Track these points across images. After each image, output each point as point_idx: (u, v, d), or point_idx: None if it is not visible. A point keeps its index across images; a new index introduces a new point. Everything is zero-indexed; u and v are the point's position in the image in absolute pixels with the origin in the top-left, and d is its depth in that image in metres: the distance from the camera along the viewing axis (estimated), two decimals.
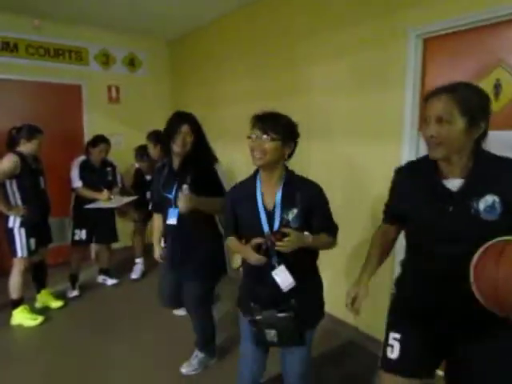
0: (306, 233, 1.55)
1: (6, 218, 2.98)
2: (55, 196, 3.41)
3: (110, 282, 3.89)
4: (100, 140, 3.57)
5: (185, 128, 2.20)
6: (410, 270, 1.40)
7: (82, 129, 4.48)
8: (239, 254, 1.68)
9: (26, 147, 3.02)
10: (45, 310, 3.28)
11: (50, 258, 3.48)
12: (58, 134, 4.15)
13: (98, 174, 3.63)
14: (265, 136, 1.54)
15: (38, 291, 3.36)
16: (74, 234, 3.59)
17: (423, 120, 1.27)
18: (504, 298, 1.06)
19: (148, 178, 3.85)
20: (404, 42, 2.36)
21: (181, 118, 2.26)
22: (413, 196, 1.32)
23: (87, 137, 4.12)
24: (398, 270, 1.53)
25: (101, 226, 3.67)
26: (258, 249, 1.54)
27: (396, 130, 2.47)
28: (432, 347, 1.34)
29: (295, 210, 1.57)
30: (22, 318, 3.08)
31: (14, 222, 2.98)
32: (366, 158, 2.70)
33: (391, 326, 1.45)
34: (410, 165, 1.44)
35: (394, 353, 1.38)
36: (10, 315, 3.09)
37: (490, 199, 1.19)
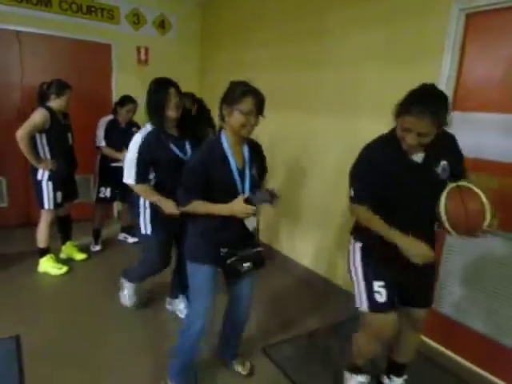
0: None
1: (35, 171, 3.09)
2: (81, 154, 3.49)
3: (131, 240, 4.02)
4: (128, 100, 3.60)
5: (172, 91, 2.22)
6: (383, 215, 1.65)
7: (111, 89, 4.52)
8: (221, 211, 1.75)
9: (55, 102, 3.08)
10: (69, 261, 3.44)
11: (75, 213, 3.60)
12: (86, 93, 4.21)
13: (124, 134, 3.66)
14: (259, 116, 1.74)
15: (64, 243, 3.52)
16: (98, 192, 3.70)
17: (403, 130, 1.55)
18: (473, 224, 1.53)
19: None
20: (445, 16, 2.27)
21: (167, 83, 2.26)
22: (391, 173, 1.61)
23: (115, 97, 4.16)
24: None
25: (124, 184, 3.75)
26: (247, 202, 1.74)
27: None
28: (396, 281, 1.76)
29: (254, 168, 1.85)
30: (47, 266, 3.24)
31: (43, 175, 3.09)
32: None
33: (374, 277, 1.76)
34: (381, 145, 1.69)
35: (382, 297, 1.73)
36: (37, 263, 3.26)
37: (443, 164, 1.64)
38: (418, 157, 1.62)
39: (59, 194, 3.17)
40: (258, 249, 1.90)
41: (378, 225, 1.64)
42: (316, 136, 3.26)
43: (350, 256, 1.86)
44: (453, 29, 2.24)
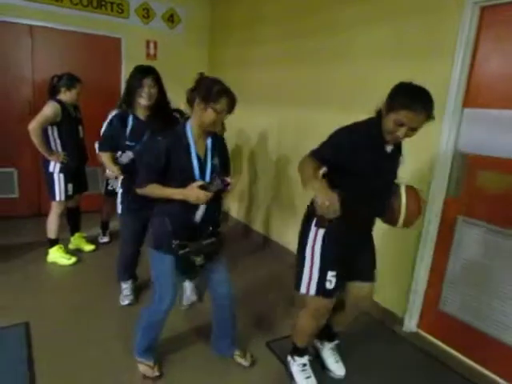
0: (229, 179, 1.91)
1: (47, 163, 3.13)
2: (90, 146, 3.51)
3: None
4: None
5: (148, 80, 2.37)
6: (343, 209, 1.58)
7: (120, 83, 4.54)
8: (174, 195, 1.81)
9: (65, 96, 3.11)
10: (77, 252, 3.49)
11: (84, 204, 3.64)
12: (96, 86, 4.23)
13: None
14: (228, 114, 1.88)
15: (72, 234, 3.56)
16: (107, 184, 3.72)
17: (396, 124, 1.64)
18: (414, 217, 1.80)
19: None
20: (459, 9, 2.23)
21: (145, 72, 2.41)
22: (366, 156, 1.73)
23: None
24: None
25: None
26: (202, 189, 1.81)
27: (439, 105, 2.36)
28: (345, 266, 1.89)
29: (216, 158, 1.94)
30: (56, 256, 3.29)
31: (54, 167, 3.13)
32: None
33: (329, 266, 1.85)
34: (361, 130, 1.78)
35: (331, 285, 1.85)
36: (46, 253, 3.31)
37: (401, 157, 1.88)
38: (389, 148, 1.80)
39: (70, 186, 3.21)
40: (209, 241, 1.92)
41: (308, 171, 1.65)
42: (325, 132, 3.25)
43: (309, 240, 1.86)
44: (466, 23, 2.20)
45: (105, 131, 2.63)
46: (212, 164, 1.92)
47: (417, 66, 2.50)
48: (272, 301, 2.97)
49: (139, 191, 1.92)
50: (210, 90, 1.79)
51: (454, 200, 2.42)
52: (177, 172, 1.83)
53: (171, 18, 4.80)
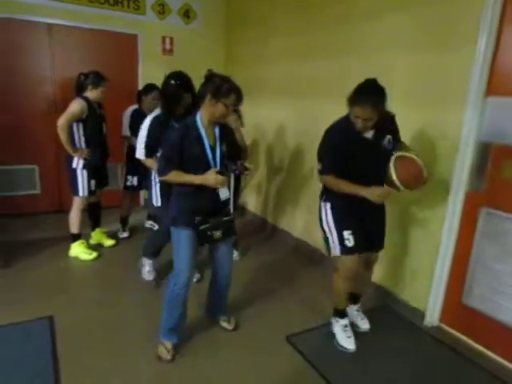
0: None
1: (70, 159, 3.17)
2: (109, 142, 3.55)
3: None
4: (151, 88, 3.61)
5: (188, 96, 2.63)
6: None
7: (137, 79, 4.59)
8: (195, 181, 2.04)
9: (92, 93, 3.15)
10: (98, 247, 3.55)
11: (104, 200, 3.69)
12: (113, 83, 4.20)
13: None
14: (234, 108, 2.14)
15: (93, 229, 3.63)
16: (126, 180, 3.77)
17: (354, 117, 2.05)
18: (414, 178, 2.07)
19: None
20: None
21: (185, 88, 2.65)
22: (350, 149, 2.10)
23: (141, 87, 4.21)
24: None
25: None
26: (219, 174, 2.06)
27: (460, 94, 2.32)
28: (361, 228, 2.23)
29: (224, 145, 2.15)
30: (78, 251, 3.35)
31: (78, 163, 3.18)
32: (423, 126, 2.57)
33: (344, 227, 2.22)
34: (340, 127, 2.17)
35: (350, 243, 2.20)
36: (68, 247, 3.38)
37: (388, 138, 2.16)
38: (369, 134, 2.12)
39: (93, 182, 3.27)
40: (228, 217, 2.18)
41: (344, 185, 2.11)
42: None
43: (323, 216, 2.30)
44: (489, 8, 2.13)
45: (149, 139, 2.63)
46: (221, 150, 2.13)
47: (435, 56, 2.45)
48: (291, 297, 2.97)
49: (162, 179, 2.13)
50: (220, 87, 2.00)
51: (477, 191, 2.36)
52: (191, 159, 2.04)
53: (187, 14, 4.81)
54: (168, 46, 4.76)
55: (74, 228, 3.33)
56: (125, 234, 3.87)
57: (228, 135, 2.23)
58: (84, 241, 3.42)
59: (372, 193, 2.06)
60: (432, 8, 2.45)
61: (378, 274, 2.99)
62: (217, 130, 2.15)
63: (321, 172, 2.20)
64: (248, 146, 4.49)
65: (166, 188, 2.52)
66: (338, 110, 3.26)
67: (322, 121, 3.41)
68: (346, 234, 2.21)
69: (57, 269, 3.16)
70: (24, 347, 2.21)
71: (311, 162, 3.60)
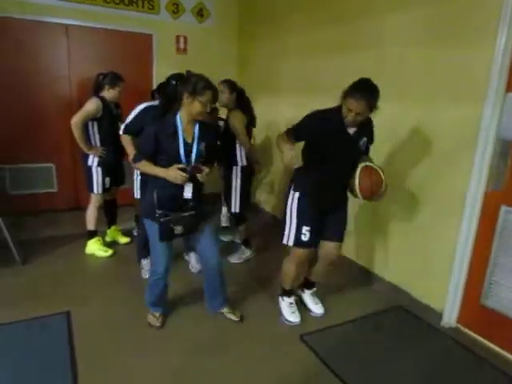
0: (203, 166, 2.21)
1: (86, 157, 3.23)
2: None
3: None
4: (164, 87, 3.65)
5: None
6: (315, 179, 2.31)
7: (152, 78, 4.62)
8: (157, 173, 2.14)
9: (108, 93, 3.20)
10: (113, 244, 3.60)
11: (119, 198, 3.73)
12: (128, 82, 4.25)
13: None
14: (212, 104, 2.22)
15: (109, 227, 3.67)
16: None
17: (347, 110, 2.13)
18: (375, 190, 2.19)
19: None
20: None
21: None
22: (330, 135, 2.20)
23: (155, 86, 4.24)
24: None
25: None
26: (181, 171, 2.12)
27: (479, 90, 2.27)
28: (318, 224, 2.39)
29: (203, 144, 2.21)
30: (94, 248, 3.40)
31: (93, 161, 3.23)
32: (440, 123, 2.53)
33: (303, 223, 2.36)
34: (328, 114, 2.23)
35: (306, 238, 2.37)
36: (84, 245, 3.43)
37: (364, 139, 2.30)
38: (351, 130, 2.24)
39: (108, 180, 3.32)
40: (187, 213, 2.20)
41: (282, 145, 2.27)
42: None
43: (289, 202, 2.42)
44: (509, 2, 2.07)
45: (134, 120, 2.81)
46: (198, 149, 2.20)
47: (453, 51, 2.40)
48: None
49: (133, 165, 2.29)
50: (196, 85, 2.07)
51: (497, 189, 2.31)
52: (164, 153, 2.14)
53: (200, 12, 4.83)
54: (182, 45, 4.78)
55: (91, 225, 3.38)
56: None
57: (209, 135, 2.28)
58: (100, 238, 3.46)
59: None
60: (450, 2, 2.40)
61: (393, 274, 2.96)
62: (196, 129, 2.21)
63: (287, 131, 2.34)
64: (261, 143, 4.51)
65: (144, 181, 2.64)
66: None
67: None
68: (305, 229, 2.36)
69: (73, 265, 3.21)
70: (43, 341, 2.25)
71: None
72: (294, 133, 2.29)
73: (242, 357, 2.23)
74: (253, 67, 4.81)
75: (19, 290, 2.78)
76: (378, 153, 2.97)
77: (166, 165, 2.13)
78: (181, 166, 2.13)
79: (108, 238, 3.65)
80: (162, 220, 2.15)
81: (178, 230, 2.20)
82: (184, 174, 2.12)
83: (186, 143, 2.16)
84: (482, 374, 2.19)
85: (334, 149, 2.22)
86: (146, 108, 2.80)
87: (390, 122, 2.86)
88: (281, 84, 4.22)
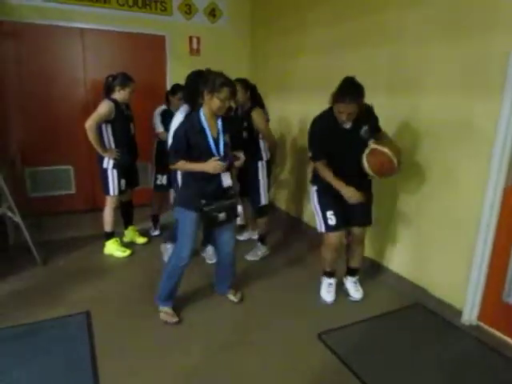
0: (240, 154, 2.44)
1: (101, 160, 3.27)
2: (138, 142, 3.61)
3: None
4: (179, 88, 3.66)
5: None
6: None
7: (165, 79, 4.66)
8: (197, 168, 2.30)
9: (119, 94, 3.23)
10: (131, 244, 3.64)
11: (135, 198, 3.78)
12: (142, 83, 4.32)
13: None
14: (232, 100, 2.34)
15: (126, 227, 3.72)
16: (156, 179, 3.83)
17: (338, 112, 2.37)
18: (386, 168, 2.38)
19: None
20: None
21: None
22: (331, 138, 2.46)
23: (169, 87, 4.27)
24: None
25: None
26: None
27: (498, 85, 2.22)
28: (342, 208, 2.57)
29: (228, 136, 2.37)
30: (112, 249, 3.45)
31: (108, 163, 3.26)
32: (458, 118, 2.48)
33: (326, 208, 2.61)
34: (323, 119, 2.50)
35: (332, 221, 2.60)
36: (103, 245, 3.48)
37: (364, 128, 2.46)
38: (348, 125, 2.43)
39: (123, 182, 3.35)
40: (230, 201, 2.41)
41: (328, 176, 2.49)
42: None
43: (311, 197, 2.72)
44: None
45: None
46: (224, 141, 2.35)
47: (476, 42, 2.34)
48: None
49: (172, 167, 2.42)
50: (214, 82, 2.19)
51: None
52: (197, 149, 2.29)
53: (212, 12, 4.84)
54: (195, 46, 4.81)
55: (108, 226, 3.43)
56: (156, 232, 3.94)
57: (231, 127, 2.45)
58: (118, 239, 3.51)
59: (347, 192, 2.44)
60: None
61: (411, 271, 2.92)
62: (219, 123, 2.36)
63: (313, 159, 2.58)
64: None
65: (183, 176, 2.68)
66: (366, 100, 3.22)
67: None
68: (329, 214, 2.59)
69: (92, 266, 3.26)
70: (64, 341, 2.29)
71: None
72: (320, 155, 2.53)
73: (259, 355, 2.23)
74: (266, 65, 4.80)
75: (40, 290, 2.83)
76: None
77: (201, 160, 2.29)
78: (217, 158, 2.29)
79: (126, 239, 3.70)
80: (206, 209, 2.31)
81: (222, 217, 2.37)
82: (222, 164, 2.28)
83: (212, 137, 2.31)
84: (507, 375, 2.14)
85: (337, 145, 2.46)
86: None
87: (406, 114, 2.84)
88: (293, 82, 4.20)
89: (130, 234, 3.72)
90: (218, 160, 2.28)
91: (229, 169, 2.39)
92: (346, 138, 2.45)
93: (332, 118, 2.41)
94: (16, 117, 4.16)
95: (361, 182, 2.54)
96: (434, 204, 2.69)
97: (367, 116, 2.48)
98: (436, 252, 2.71)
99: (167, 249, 3.30)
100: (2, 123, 4.09)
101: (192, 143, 2.28)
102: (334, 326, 2.49)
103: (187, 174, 2.43)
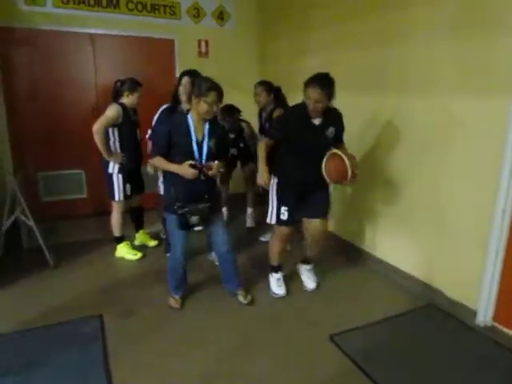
0: (216, 162, 2.42)
1: (107, 165, 3.28)
2: (145, 147, 3.63)
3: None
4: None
5: (185, 79, 3.00)
6: (289, 166, 2.62)
7: (174, 82, 4.66)
8: (171, 169, 2.36)
9: (128, 99, 3.26)
10: (142, 247, 3.67)
11: (145, 201, 3.78)
12: (151, 87, 4.36)
13: None
14: (219, 104, 2.37)
15: (137, 231, 3.74)
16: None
17: (307, 98, 2.45)
18: (339, 176, 2.47)
19: (232, 136, 3.90)
20: None
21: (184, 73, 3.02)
22: (298, 127, 2.52)
23: None
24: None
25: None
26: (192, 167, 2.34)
27: (508, 83, 2.18)
28: (297, 205, 2.67)
29: (213, 140, 2.41)
30: (124, 252, 3.48)
31: (113, 168, 3.27)
32: (469, 117, 2.44)
33: (281, 202, 2.69)
34: (296, 108, 2.60)
35: (284, 216, 2.68)
36: (114, 248, 3.51)
37: (331, 129, 2.56)
38: (317, 121, 2.53)
39: (128, 187, 3.35)
40: (202, 205, 2.39)
41: (261, 152, 2.57)
42: (381, 118, 3.12)
43: (270, 186, 2.70)
44: None
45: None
46: (208, 146, 2.40)
47: (485, 41, 2.30)
48: (341, 299, 2.92)
49: (150, 161, 2.59)
50: (200, 87, 2.26)
51: None
52: (179, 150, 2.34)
53: (221, 16, 4.87)
54: (204, 49, 4.83)
55: (116, 231, 3.45)
56: None
57: (217, 132, 2.48)
58: (128, 242, 3.53)
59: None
60: None
61: (424, 271, 2.88)
62: (206, 127, 2.41)
63: (268, 136, 2.67)
64: None
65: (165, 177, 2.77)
66: (373, 100, 3.20)
67: (363, 115, 3.35)
68: (283, 209, 2.67)
69: (104, 269, 3.29)
70: (76, 344, 2.30)
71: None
72: (276, 134, 2.61)
73: (271, 357, 2.22)
74: (274, 66, 4.80)
75: (52, 294, 2.86)
76: (413, 142, 2.93)
77: (181, 160, 2.33)
78: (192, 162, 2.33)
79: (137, 242, 3.72)
80: (179, 212, 2.35)
81: (194, 220, 2.40)
82: (194, 171, 2.32)
83: (197, 140, 2.37)
84: None
85: (301, 138, 2.52)
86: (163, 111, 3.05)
87: (413, 117, 2.81)
88: (302, 82, 4.18)
89: (140, 237, 3.74)
90: (193, 165, 2.32)
91: (206, 175, 2.40)
92: (313, 133, 2.53)
93: (303, 110, 2.49)
94: (28, 122, 4.22)
95: (315, 177, 2.56)
96: (446, 203, 2.66)
97: (336, 121, 2.62)
98: (449, 252, 2.67)
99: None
100: (15, 128, 4.15)
101: (174, 142, 2.33)
102: (346, 328, 2.47)
103: (168, 176, 2.50)
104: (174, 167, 2.35)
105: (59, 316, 2.55)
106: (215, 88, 2.29)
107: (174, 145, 2.34)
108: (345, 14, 3.45)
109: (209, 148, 2.40)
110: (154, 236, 3.84)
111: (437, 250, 2.76)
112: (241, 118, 3.99)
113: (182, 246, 2.54)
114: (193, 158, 2.35)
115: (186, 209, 2.35)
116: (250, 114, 4.00)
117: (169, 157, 2.38)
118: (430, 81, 2.69)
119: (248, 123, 4.02)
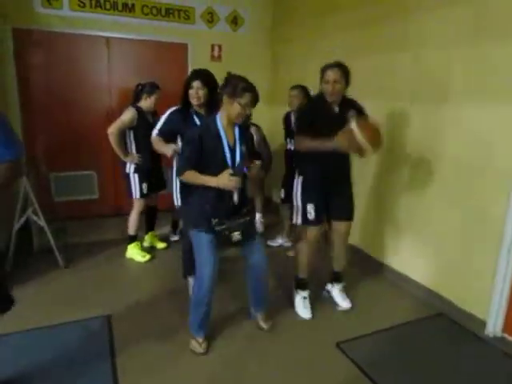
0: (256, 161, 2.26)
1: (124, 165, 3.37)
2: None
3: (179, 237, 4.13)
4: None
5: (196, 83, 2.60)
6: (312, 160, 2.52)
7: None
8: (208, 183, 2.05)
9: (145, 102, 3.34)
10: (151, 249, 3.69)
11: (159, 203, 3.81)
12: (165, 91, 4.41)
13: None
14: (252, 107, 2.11)
15: (147, 232, 3.77)
16: None
17: (326, 83, 2.43)
18: (375, 136, 2.27)
19: None
20: None
21: (193, 76, 2.69)
22: (319, 114, 2.50)
23: None
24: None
25: None
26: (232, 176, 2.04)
27: None
28: (323, 203, 2.59)
29: (245, 146, 2.18)
30: (134, 253, 3.51)
31: (130, 168, 3.37)
32: (485, 123, 2.43)
33: (307, 200, 2.58)
34: (314, 101, 2.68)
35: (311, 215, 2.56)
36: (124, 249, 3.55)
37: (351, 112, 2.44)
38: (336, 109, 2.51)
39: (145, 185, 3.42)
40: (242, 220, 2.15)
41: (310, 142, 2.38)
42: (397, 128, 3.11)
43: (294, 186, 2.64)
44: None
45: (164, 124, 2.87)
46: (241, 151, 2.16)
47: (501, 47, 2.29)
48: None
49: (179, 178, 2.21)
50: (235, 87, 2.02)
51: None
52: (210, 157, 2.07)
53: (235, 21, 4.90)
54: (216, 53, 4.87)
55: (132, 230, 3.50)
56: (175, 237, 3.97)
57: (248, 137, 2.31)
58: (138, 243, 3.57)
59: (340, 141, 2.24)
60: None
61: (435, 281, 2.85)
62: (237, 131, 2.18)
63: (298, 132, 2.55)
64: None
65: (185, 187, 2.46)
66: (388, 106, 3.18)
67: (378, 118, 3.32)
68: (309, 207, 2.55)
69: (114, 270, 3.32)
70: (84, 344, 2.33)
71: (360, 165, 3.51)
72: (305, 128, 2.48)
73: (278, 364, 2.21)
74: (286, 71, 4.81)
75: (62, 294, 2.90)
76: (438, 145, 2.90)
77: (213, 172, 2.05)
78: (230, 171, 2.04)
79: (146, 243, 3.75)
80: (217, 228, 2.09)
81: (236, 236, 2.13)
82: (237, 180, 2.04)
83: (229, 145, 2.11)
84: None
85: (325, 127, 2.37)
86: (172, 111, 2.82)
87: (426, 124, 2.79)
88: (314, 87, 4.18)
89: (150, 238, 3.78)
90: (232, 174, 2.03)
91: (244, 182, 2.16)
92: (334, 121, 2.39)
93: (322, 101, 2.48)
94: (42, 123, 4.29)
95: (340, 172, 2.59)
96: (458, 213, 2.63)
97: (355, 104, 2.56)
98: (460, 262, 2.64)
99: (190, 282, 2.87)
100: (29, 129, 4.22)
101: (206, 150, 2.05)
102: (354, 335, 2.45)
103: (191, 187, 2.18)
104: (212, 180, 2.04)
105: (68, 315, 2.58)
106: (251, 89, 2.05)
107: (205, 152, 2.06)
108: (359, 21, 3.46)
109: (242, 154, 2.14)
110: (163, 238, 3.88)
111: (448, 260, 2.73)
112: (251, 121, 4.00)
113: (213, 269, 2.15)
114: (224, 167, 2.06)
115: (225, 226, 2.10)
116: (262, 119, 4.02)
117: (199, 169, 2.08)
118: (446, 87, 2.67)
119: (258, 127, 4.02)
